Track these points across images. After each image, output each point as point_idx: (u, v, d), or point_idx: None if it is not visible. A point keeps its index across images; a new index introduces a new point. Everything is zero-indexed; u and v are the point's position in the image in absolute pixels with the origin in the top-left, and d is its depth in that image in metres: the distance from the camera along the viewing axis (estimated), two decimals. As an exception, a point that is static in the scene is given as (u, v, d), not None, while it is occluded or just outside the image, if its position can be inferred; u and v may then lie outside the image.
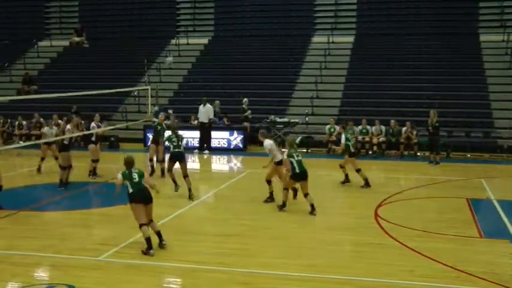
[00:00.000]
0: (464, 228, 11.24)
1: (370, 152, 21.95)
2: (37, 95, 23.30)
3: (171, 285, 8.72)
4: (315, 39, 30.73)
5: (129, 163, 9.89)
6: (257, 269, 8.87)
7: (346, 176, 15.87)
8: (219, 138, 23.35)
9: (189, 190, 13.80)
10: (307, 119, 24.02)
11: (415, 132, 21.52)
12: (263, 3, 32.13)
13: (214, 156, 22.04)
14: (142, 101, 25.89)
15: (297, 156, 12.48)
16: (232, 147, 23.07)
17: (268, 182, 13.45)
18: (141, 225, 9.53)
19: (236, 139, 23.16)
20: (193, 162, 21.43)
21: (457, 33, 28.86)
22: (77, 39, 33.36)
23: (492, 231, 11.28)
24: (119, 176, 9.78)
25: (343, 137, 15.77)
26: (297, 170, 12.37)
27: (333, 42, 29.58)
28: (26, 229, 11.23)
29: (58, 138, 15.71)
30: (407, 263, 9.18)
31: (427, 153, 20.54)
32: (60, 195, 14.56)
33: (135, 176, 9.75)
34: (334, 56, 28.69)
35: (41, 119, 24.55)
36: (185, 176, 13.90)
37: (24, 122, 24.61)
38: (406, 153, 21.57)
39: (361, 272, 8.72)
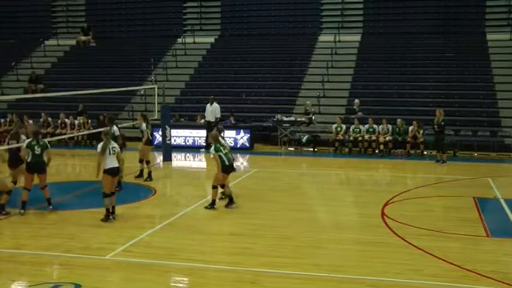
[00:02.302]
0: (471, 227, 11.22)
1: (376, 151, 21.92)
2: (44, 94, 23.31)
3: (178, 284, 8.73)
4: (322, 38, 30.66)
5: (35, 133, 11.99)
6: (265, 268, 8.86)
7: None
8: (225, 137, 23.19)
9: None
10: (313, 117, 23.98)
11: (421, 131, 21.45)
12: (269, 2, 32.04)
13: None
14: (149, 100, 25.92)
15: (224, 149, 12.77)
16: (238, 146, 23.04)
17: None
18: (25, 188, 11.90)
19: (243, 138, 23.14)
20: (200, 161, 21.47)
21: (464, 32, 28.75)
22: (83, 38, 33.42)
23: (499, 230, 11.27)
24: (24, 145, 11.84)
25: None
26: (227, 163, 12.65)
27: (339, 41, 29.52)
28: (33, 228, 11.27)
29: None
30: (414, 262, 9.16)
31: (433, 152, 20.49)
32: (68, 194, 14.60)
33: (38, 149, 11.81)
34: (341, 54, 28.64)
35: (49, 118, 24.66)
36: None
37: (30, 121, 24.68)
38: (412, 152, 21.51)
39: (368, 271, 8.70)
